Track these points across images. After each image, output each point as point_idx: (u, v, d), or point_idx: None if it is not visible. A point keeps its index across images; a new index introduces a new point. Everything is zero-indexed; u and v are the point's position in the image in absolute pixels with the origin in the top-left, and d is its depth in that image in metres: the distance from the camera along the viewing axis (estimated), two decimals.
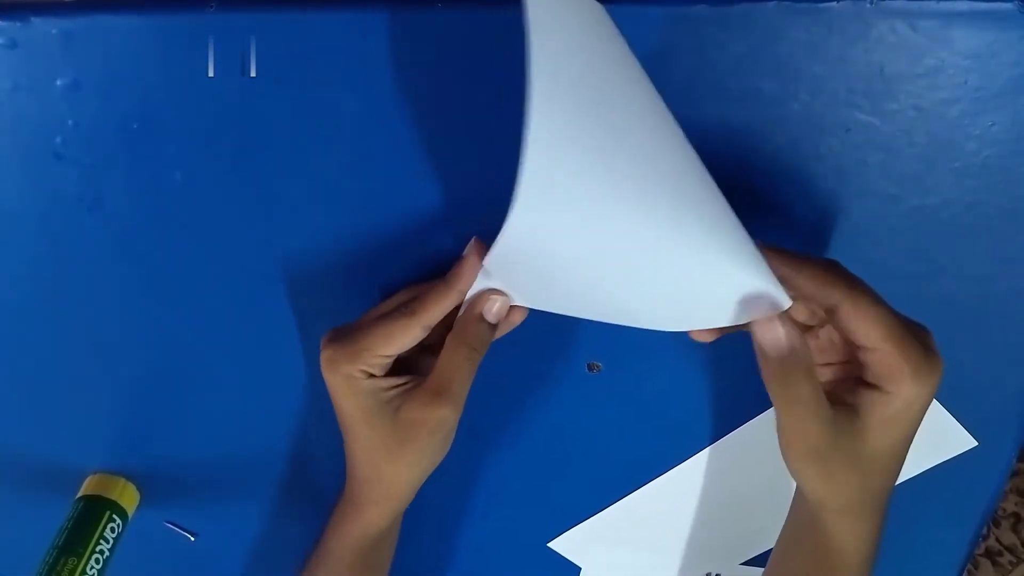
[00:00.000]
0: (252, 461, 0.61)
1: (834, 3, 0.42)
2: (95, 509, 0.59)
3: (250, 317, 0.53)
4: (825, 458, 0.44)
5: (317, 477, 0.61)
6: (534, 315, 0.52)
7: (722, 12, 0.42)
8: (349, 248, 0.50)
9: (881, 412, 0.43)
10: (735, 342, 0.46)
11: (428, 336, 0.47)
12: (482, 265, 0.45)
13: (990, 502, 0.61)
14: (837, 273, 0.43)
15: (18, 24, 0.42)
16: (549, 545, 0.62)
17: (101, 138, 0.46)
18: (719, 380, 0.56)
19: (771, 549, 0.57)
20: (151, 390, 0.57)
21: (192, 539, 0.65)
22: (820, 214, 0.48)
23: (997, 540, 1.48)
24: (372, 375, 0.48)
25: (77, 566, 0.56)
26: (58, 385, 0.56)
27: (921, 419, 0.44)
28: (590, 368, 0.55)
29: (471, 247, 0.46)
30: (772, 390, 0.43)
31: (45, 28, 0.42)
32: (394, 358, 0.48)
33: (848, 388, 0.45)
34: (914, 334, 0.43)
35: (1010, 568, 1.46)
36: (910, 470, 0.59)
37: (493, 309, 0.47)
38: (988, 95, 0.44)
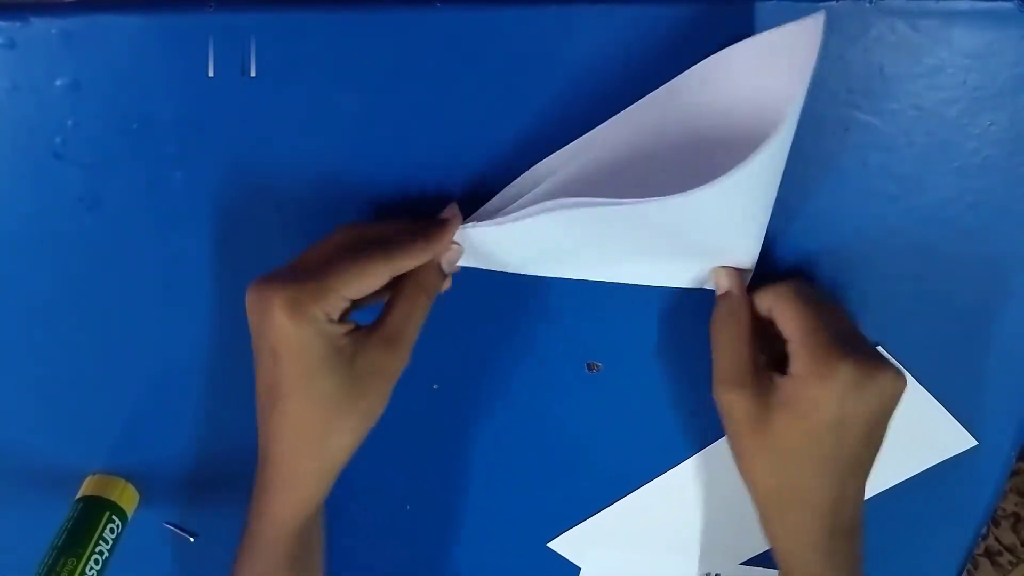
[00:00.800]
0: (251, 462, 0.61)
1: (834, 2, 0.42)
2: (94, 510, 0.59)
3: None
4: (736, 419, 0.47)
5: None
6: (534, 316, 0.52)
7: (722, 11, 0.42)
8: None
9: (785, 394, 0.46)
10: None
11: None
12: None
13: (990, 502, 0.61)
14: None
15: (18, 24, 0.42)
16: (549, 545, 0.62)
17: (101, 138, 0.46)
18: None
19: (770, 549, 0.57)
20: (151, 391, 0.57)
21: (191, 540, 0.65)
22: (818, 214, 0.48)
23: (997, 540, 1.48)
24: (331, 320, 0.43)
25: (76, 567, 0.56)
26: (58, 385, 0.56)
27: (831, 431, 0.45)
28: (590, 368, 0.55)
29: (451, 212, 0.47)
30: (712, 330, 0.48)
31: (44, 28, 0.42)
32: (352, 302, 0.44)
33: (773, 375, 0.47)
34: (838, 341, 0.45)
35: (1010, 568, 1.46)
36: (910, 469, 0.59)
37: (452, 259, 0.47)
38: (988, 95, 0.44)
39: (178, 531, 0.65)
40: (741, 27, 0.43)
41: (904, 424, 0.53)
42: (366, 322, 0.45)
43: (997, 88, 0.44)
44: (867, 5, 0.42)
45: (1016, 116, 0.45)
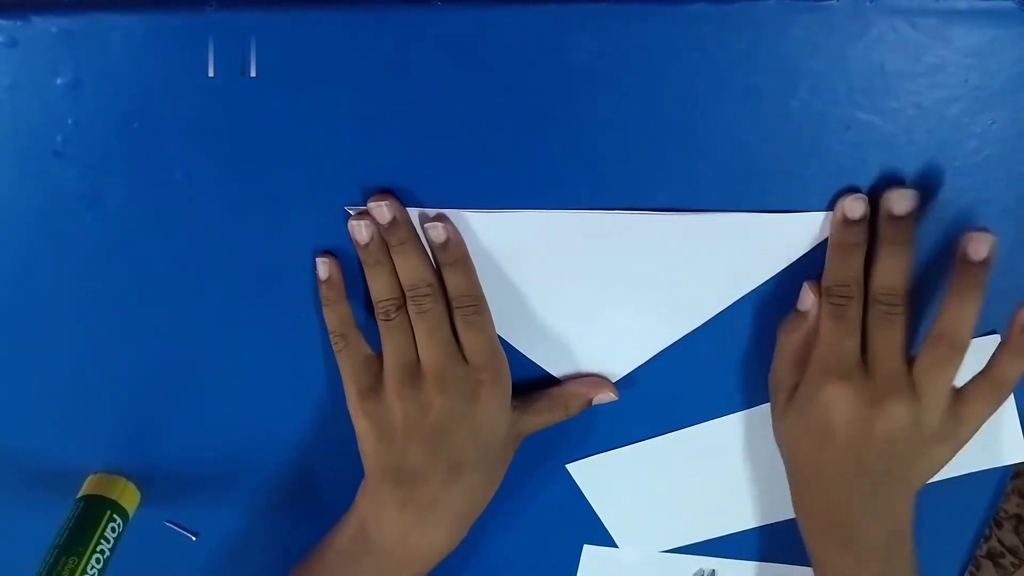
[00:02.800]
0: (253, 461, 0.61)
1: (834, 1, 0.42)
2: (96, 509, 0.59)
3: (250, 316, 0.53)
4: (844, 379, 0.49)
5: (318, 477, 0.61)
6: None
7: (721, 10, 0.42)
8: (349, 247, 0.50)
9: (799, 391, 0.51)
10: None
11: None
12: None
13: (992, 503, 0.61)
14: None
15: (18, 22, 0.42)
16: (567, 466, 0.61)
17: (101, 137, 0.46)
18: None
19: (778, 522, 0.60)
20: (152, 390, 0.57)
21: (193, 539, 0.65)
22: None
23: (999, 541, 1.48)
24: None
25: (77, 566, 0.56)
26: (58, 384, 0.56)
27: (845, 436, 0.49)
28: None
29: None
30: (824, 305, 0.49)
31: (45, 26, 0.43)
32: None
33: None
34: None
35: (1012, 570, 1.46)
36: (959, 467, 0.58)
37: (603, 400, 0.55)
38: (988, 93, 0.44)
39: (179, 530, 0.65)
40: (741, 25, 0.43)
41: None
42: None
43: (998, 87, 0.44)
44: (867, 4, 0.42)
45: (1017, 115, 0.45)
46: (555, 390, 0.55)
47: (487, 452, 0.52)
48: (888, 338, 0.47)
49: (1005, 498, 1.47)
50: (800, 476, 0.53)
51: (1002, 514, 1.48)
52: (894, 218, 0.46)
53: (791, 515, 0.56)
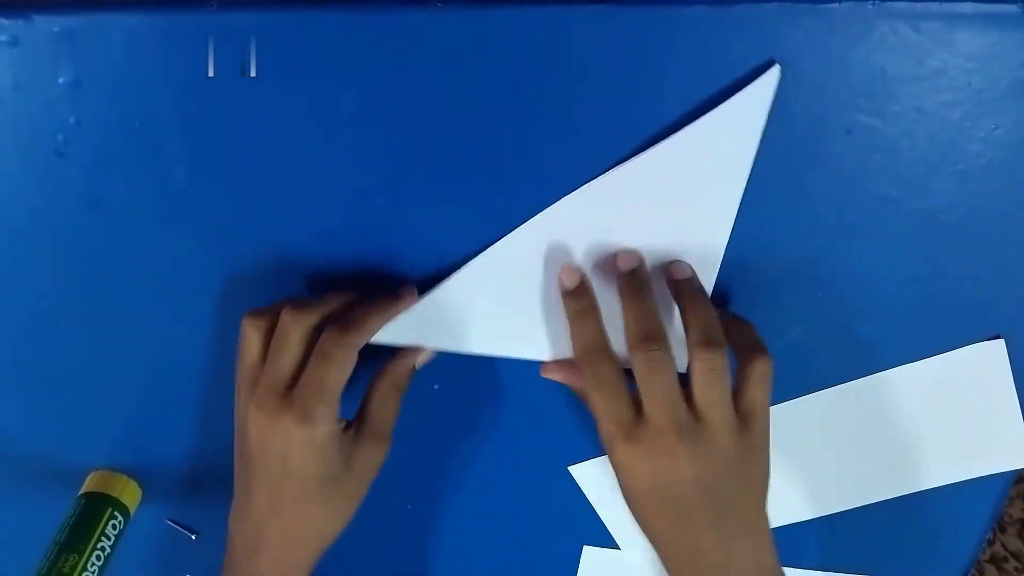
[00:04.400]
0: None
1: (836, 4, 0.42)
2: (97, 506, 0.59)
3: None
4: (630, 441, 0.46)
5: None
6: None
7: (723, 13, 0.42)
8: (348, 246, 0.50)
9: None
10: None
11: None
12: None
13: (996, 508, 0.60)
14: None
15: (20, 22, 0.43)
16: (569, 468, 0.61)
17: (102, 136, 0.46)
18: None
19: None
20: (153, 387, 0.57)
21: (193, 537, 0.65)
22: (821, 216, 0.48)
23: (1003, 546, 1.47)
24: (337, 418, 0.48)
25: (78, 563, 0.56)
26: (60, 382, 0.57)
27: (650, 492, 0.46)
28: None
29: (407, 290, 0.51)
30: (582, 379, 0.48)
31: (47, 26, 0.43)
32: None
33: None
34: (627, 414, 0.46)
35: (1016, 574, 1.45)
36: (969, 471, 0.58)
37: (424, 360, 0.52)
38: (991, 97, 0.44)
39: (180, 528, 0.65)
40: (742, 28, 0.42)
41: (980, 426, 0.54)
42: None
43: (1000, 91, 0.43)
44: (869, 7, 0.42)
45: (1020, 119, 0.44)
46: (373, 381, 0.52)
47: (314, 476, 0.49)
48: (655, 382, 0.45)
49: (1009, 502, 1.46)
50: (649, 532, 0.49)
51: (1006, 519, 1.48)
52: (623, 274, 0.48)
53: (790, 518, 0.56)
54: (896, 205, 0.48)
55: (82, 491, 0.60)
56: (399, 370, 0.51)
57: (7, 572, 0.66)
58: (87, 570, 0.56)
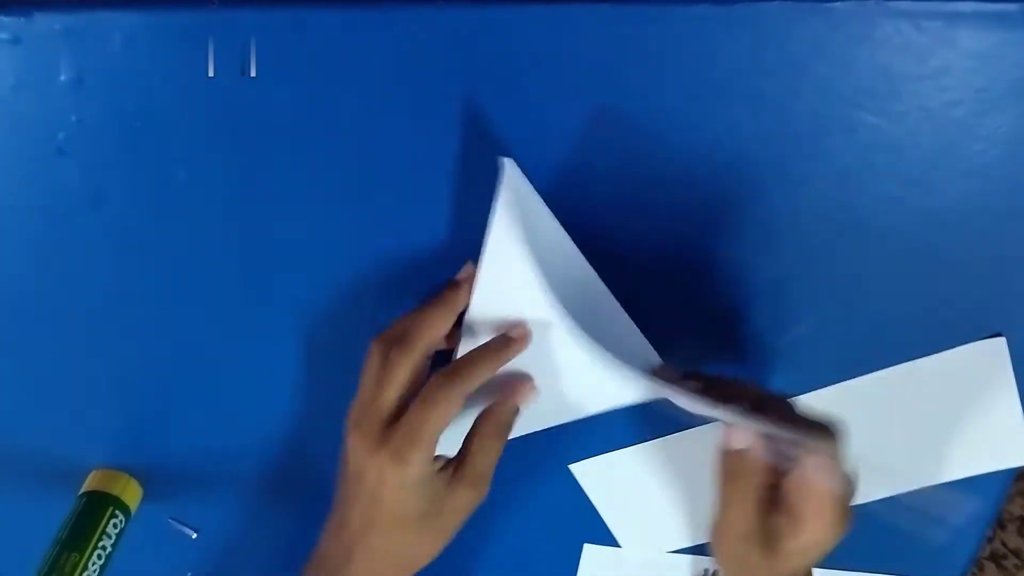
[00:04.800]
0: (255, 458, 0.61)
1: (839, 3, 0.42)
2: (98, 505, 0.59)
3: (252, 313, 0.53)
4: (743, 564, 0.49)
5: (319, 474, 0.61)
6: None
7: (726, 12, 0.42)
8: (349, 245, 0.50)
9: (795, 540, 0.47)
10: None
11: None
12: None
13: (996, 505, 0.60)
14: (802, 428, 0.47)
15: (21, 20, 0.42)
16: (570, 467, 0.61)
17: (103, 135, 0.46)
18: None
19: None
20: (154, 386, 0.57)
21: (194, 535, 0.65)
22: (825, 215, 0.48)
23: (1003, 543, 1.47)
24: (431, 460, 0.47)
25: (80, 562, 0.56)
26: (61, 381, 0.57)
27: (823, 554, 0.49)
28: None
29: (465, 272, 0.49)
30: (722, 482, 0.49)
31: (48, 24, 0.43)
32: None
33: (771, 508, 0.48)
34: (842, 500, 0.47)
35: (1015, 571, 1.46)
36: (971, 468, 0.58)
37: (528, 400, 0.50)
38: (994, 96, 0.44)
39: (181, 527, 0.65)
40: (745, 27, 0.42)
41: (980, 424, 0.54)
42: None
43: (1003, 90, 0.43)
44: (872, 6, 0.41)
45: (1022, 118, 0.44)
46: (477, 422, 0.50)
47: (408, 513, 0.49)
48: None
49: (1009, 500, 1.46)
50: None
51: (1006, 516, 1.48)
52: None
53: None
54: (899, 203, 0.48)
55: (83, 490, 0.60)
56: (504, 415, 0.50)
57: (8, 571, 0.66)
58: (88, 569, 0.56)
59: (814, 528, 0.47)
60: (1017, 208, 0.47)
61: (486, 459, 0.49)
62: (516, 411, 0.50)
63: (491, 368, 0.48)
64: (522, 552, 0.65)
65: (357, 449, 0.48)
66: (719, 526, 0.50)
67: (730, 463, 0.49)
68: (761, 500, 0.48)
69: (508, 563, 0.66)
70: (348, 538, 0.50)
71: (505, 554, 0.65)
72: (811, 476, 0.46)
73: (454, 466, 0.49)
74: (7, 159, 0.47)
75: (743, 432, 0.47)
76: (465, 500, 0.49)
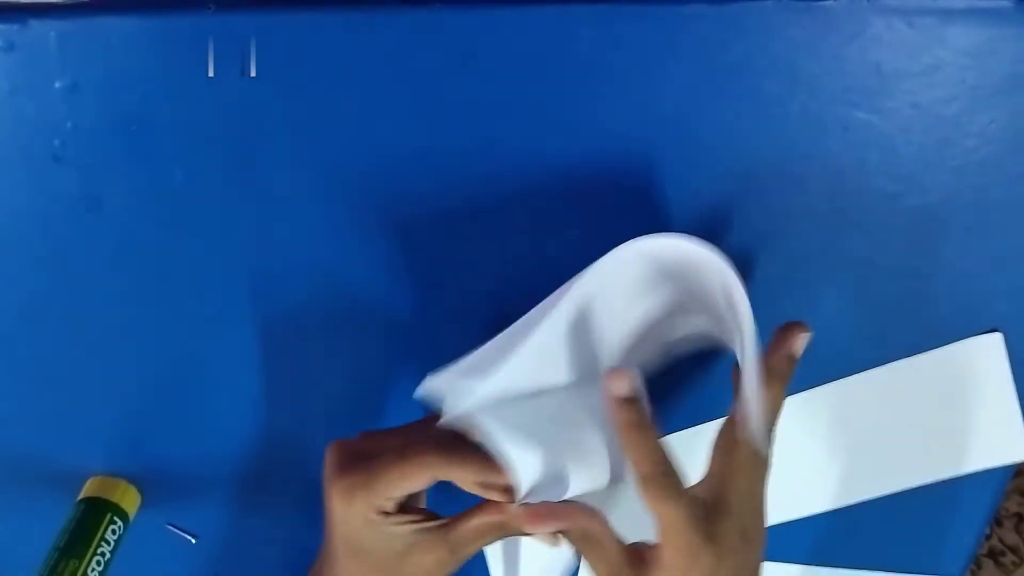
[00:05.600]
0: (253, 464, 0.61)
1: (831, 1, 0.42)
2: (96, 511, 0.59)
3: (250, 318, 0.53)
4: None
5: (318, 480, 0.61)
6: None
7: (719, 11, 0.42)
8: (348, 247, 0.50)
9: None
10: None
11: None
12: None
13: (993, 502, 0.61)
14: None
15: (16, 26, 0.42)
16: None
17: (100, 140, 0.46)
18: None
19: None
20: (152, 392, 0.57)
21: (193, 541, 0.65)
22: (818, 212, 0.48)
23: (1000, 540, 1.48)
24: (381, 512, 0.47)
25: (78, 568, 0.56)
26: (59, 387, 0.56)
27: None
28: None
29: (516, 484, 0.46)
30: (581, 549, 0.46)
31: (43, 30, 0.43)
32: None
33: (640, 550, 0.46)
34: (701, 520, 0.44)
35: (1013, 568, 1.46)
36: (966, 465, 0.58)
37: (541, 525, 0.46)
38: (986, 92, 0.44)
39: (180, 533, 0.65)
40: (738, 26, 0.43)
41: (977, 420, 0.54)
42: None
43: (996, 86, 0.44)
44: (865, 3, 0.42)
45: (1015, 114, 0.45)
46: (486, 507, 0.48)
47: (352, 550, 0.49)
48: None
49: (1006, 496, 1.46)
50: None
51: (1003, 512, 1.48)
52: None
53: (791, 515, 0.56)
54: (893, 200, 0.48)
55: (81, 496, 0.60)
56: (515, 527, 0.47)
57: None
58: (87, 575, 0.56)
59: (667, 556, 0.44)
60: (1011, 203, 0.48)
61: (476, 536, 0.47)
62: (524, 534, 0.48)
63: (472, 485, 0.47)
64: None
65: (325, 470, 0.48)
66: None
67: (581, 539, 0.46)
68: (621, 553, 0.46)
69: None
70: (319, 565, 0.51)
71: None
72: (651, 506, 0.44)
73: (443, 522, 0.48)
74: (2, 166, 0.47)
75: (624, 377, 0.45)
76: (433, 561, 0.47)
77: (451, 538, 0.47)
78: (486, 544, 0.48)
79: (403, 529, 0.47)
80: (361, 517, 0.47)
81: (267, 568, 0.67)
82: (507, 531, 0.47)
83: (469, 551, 0.48)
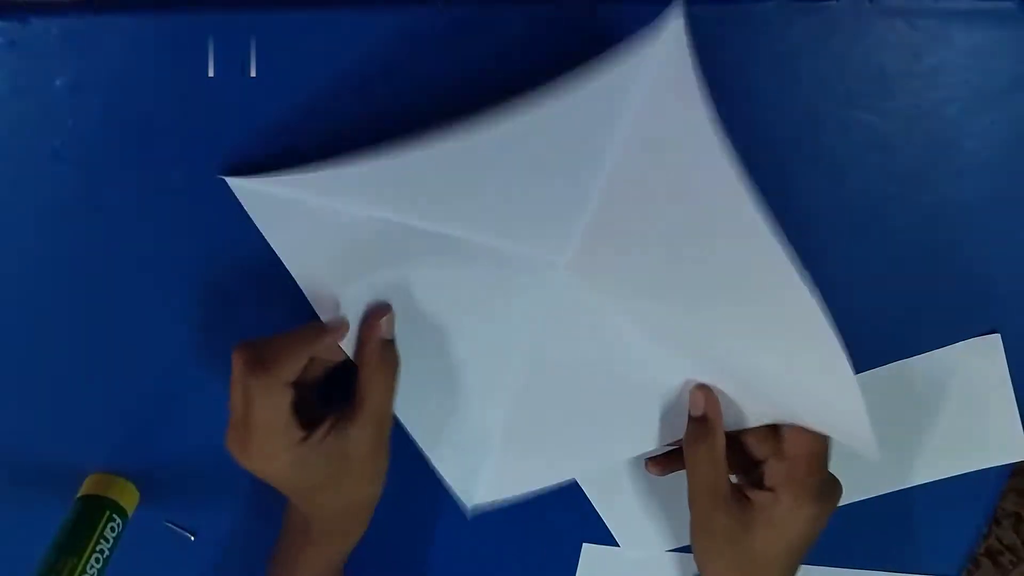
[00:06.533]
0: None
1: (833, 2, 0.42)
2: (95, 509, 0.59)
3: (250, 316, 0.53)
4: (713, 532, 0.50)
5: None
6: None
7: (721, 11, 0.42)
8: None
9: (769, 512, 0.49)
10: None
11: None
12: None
13: (991, 501, 0.61)
14: None
15: (17, 24, 0.42)
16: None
17: (101, 139, 0.46)
18: None
19: None
20: (151, 390, 0.57)
21: (191, 538, 0.65)
22: (820, 214, 0.48)
23: (998, 539, 1.48)
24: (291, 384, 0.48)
25: (77, 566, 0.56)
26: (58, 385, 0.56)
27: (806, 540, 0.50)
28: None
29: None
30: (686, 449, 0.51)
31: (44, 28, 0.42)
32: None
33: (747, 488, 0.50)
34: (820, 459, 0.49)
35: (1010, 567, 1.46)
36: (963, 465, 0.59)
37: (390, 326, 0.50)
38: (988, 94, 0.44)
39: (178, 529, 0.65)
40: (741, 26, 0.43)
41: (975, 421, 0.55)
42: None
43: (997, 87, 0.44)
44: (867, 4, 0.42)
45: (1017, 115, 0.45)
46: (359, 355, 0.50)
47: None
48: None
49: (1003, 496, 1.46)
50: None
51: (1000, 512, 1.48)
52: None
53: None
54: (893, 201, 0.48)
55: (80, 494, 0.60)
56: (378, 349, 0.49)
57: (6, 575, 0.66)
58: (86, 572, 0.56)
59: (785, 497, 0.48)
60: (1011, 205, 0.48)
61: (385, 395, 0.50)
62: (389, 345, 0.50)
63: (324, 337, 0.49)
64: (521, 551, 0.65)
65: (252, 466, 0.50)
66: (689, 495, 0.51)
67: (691, 434, 0.50)
68: (727, 461, 0.49)
69: (508, 562, 0.66)
70: (290, 524, 0.55)
71: (504, 554, 0.65)
72: (786, 447, 0.48)
73: (333, 419, 0.49)
74: (3, 164, 0.47)
75: (704, 397, 0.50)
76: (365, 440, 0.49)
77: (370, 411, 0.49)
78: (386, 386, 0.49)
79: (321, 435, 0.48)
80: (289, 459, 0.49)
81: (265, 564, 0.67)
82: (396, 361, 0.50)
83: (382, 411, 0.49)
